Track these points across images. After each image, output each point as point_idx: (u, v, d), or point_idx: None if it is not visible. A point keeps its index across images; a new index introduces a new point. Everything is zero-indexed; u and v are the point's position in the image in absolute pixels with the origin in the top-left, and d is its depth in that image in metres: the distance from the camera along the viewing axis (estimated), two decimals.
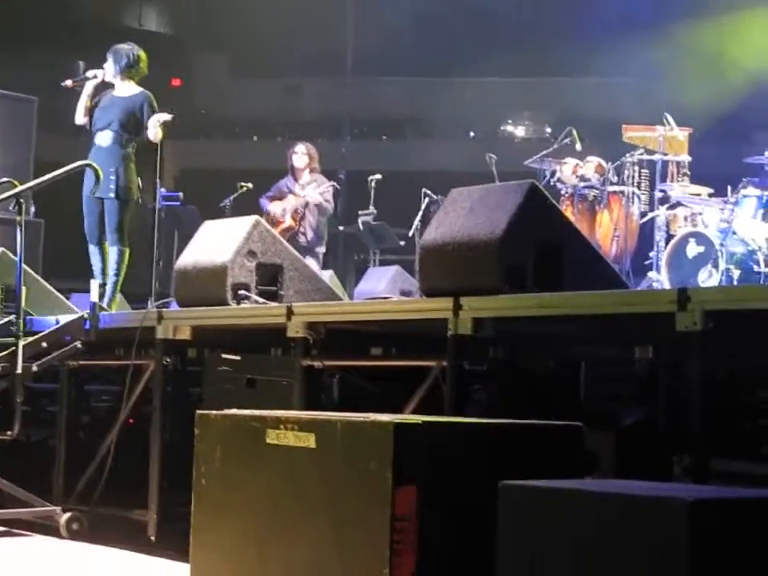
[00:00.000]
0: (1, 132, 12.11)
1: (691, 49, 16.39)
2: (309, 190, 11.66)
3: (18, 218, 6.64)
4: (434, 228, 5.41)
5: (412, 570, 3.68)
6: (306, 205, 11.64)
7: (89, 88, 8.84)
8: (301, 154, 11.91)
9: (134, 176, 8.68)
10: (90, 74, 8.86)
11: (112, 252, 8.59)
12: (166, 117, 8.60)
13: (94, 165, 7.85)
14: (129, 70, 8.79)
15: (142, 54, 8.91)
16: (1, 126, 12.13)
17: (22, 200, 6.66)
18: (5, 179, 7.92)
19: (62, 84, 8.88)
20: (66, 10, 21.60)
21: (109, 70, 8.82)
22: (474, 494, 3.77)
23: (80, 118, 8.91)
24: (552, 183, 10.96)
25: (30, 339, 6.66)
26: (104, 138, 8.69)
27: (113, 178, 8.47)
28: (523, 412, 4.47)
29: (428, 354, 5.30)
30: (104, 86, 8.89)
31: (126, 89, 8.81)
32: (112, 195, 8.51)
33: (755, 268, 9.67)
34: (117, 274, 8.59)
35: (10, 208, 6.89)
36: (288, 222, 11.59)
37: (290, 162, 11.97)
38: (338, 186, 12.24)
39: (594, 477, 4.58)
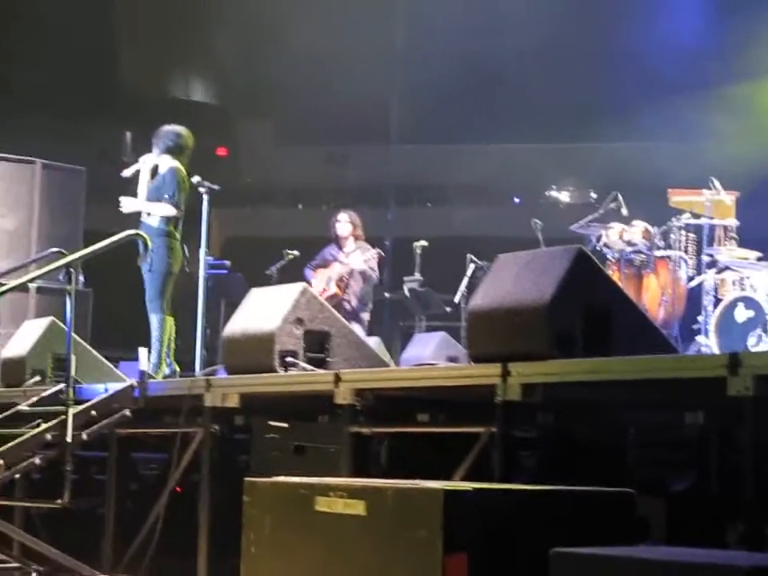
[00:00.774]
0: (51, 203, 12.30)
1: (735, 110, 16.33)
2: (353, 257, 11.70)
3: (68, 288, 6.72)
4: (481, 294, 5.40)
5: None
6: (351, 272, 11.68)
7: (146, 173, 9.14)
8: (344, 222, 11.98)
9: (174, 248, 8.91)
10: (141, 160, 9.33)
11: (153, 320, 8.89)
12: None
13: (143, 234, 8.01)
14: (170, 151, 9.07)
15: (184, 132, 9.26)
16: (51, 197, 12.32)
17: (71, 269, 6.74)
18: (54, 249, 8.08)
19: (122, 174, 9.25)
20: (114, 81, 21.87)
21: (154, 153, 9.29)
22: (525, 561, 3.74)
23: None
24: (598, 248, 10.90)
25: (80, 408, 6.69)
26: (145, 214, 9.12)
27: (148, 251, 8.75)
28: (573, 478, 4.43)
29: (476, 420, 5.26)
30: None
31: (163, 166, 9.24)
32: (147, 268, 8.92)
33: None
34: (159, 341, 8.83)
35: (60, 278, 6.99)
36: (333, 289, 11.62)
37: (334, 231, 12.03)
38: (383, 254, 12.27)
39: (646, 544, 4.52)
